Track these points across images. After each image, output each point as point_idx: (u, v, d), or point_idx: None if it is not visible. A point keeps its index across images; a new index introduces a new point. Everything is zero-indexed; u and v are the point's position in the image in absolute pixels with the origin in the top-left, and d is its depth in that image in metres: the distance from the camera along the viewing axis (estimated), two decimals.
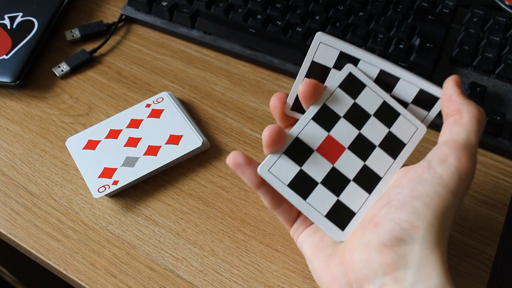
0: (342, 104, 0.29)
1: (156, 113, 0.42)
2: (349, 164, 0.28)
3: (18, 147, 0.42)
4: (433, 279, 0.23)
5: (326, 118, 0.29)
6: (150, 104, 0.42)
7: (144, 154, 0.39)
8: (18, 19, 0.48)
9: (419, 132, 0.29)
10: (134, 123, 0.41)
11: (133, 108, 0.42)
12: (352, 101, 0.29)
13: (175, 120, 0.41)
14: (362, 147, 0.28)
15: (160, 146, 0.39)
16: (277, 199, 0.30)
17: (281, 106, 0.30)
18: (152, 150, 0.39)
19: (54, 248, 0.36)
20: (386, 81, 0.29)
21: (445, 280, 0.23)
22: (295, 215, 0.31)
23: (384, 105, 0.29)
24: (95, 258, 0.36)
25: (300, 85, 0.28)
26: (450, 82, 0.27)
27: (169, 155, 0.39)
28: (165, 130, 0.40)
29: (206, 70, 0.46)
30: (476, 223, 0.36)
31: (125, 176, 0.38)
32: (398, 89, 0.29)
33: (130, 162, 0.39)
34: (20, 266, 0.73)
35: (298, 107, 0.30)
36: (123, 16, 0.50)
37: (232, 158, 0.28)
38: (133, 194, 0.39)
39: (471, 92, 0.40)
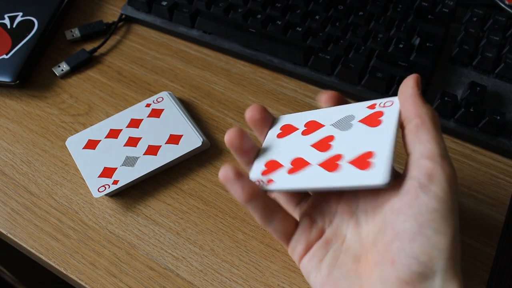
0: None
1: (156, 113, 0.42)
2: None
3: (18, 146, 0.42)
4: None
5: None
6: (150, 104, 0.42)
7: (144, 154, 0.39)
8: (18, 19, 0.48)
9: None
10: (134, 123, 0.41)
11: (133, 108, 0.42)
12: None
13: (175, 119, 0.41)
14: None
15: (160, 146, 0.39)
16: (268, 214, 0.29)
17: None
18: (152, 150, 0.39)
19: (54, 247, 0.36)
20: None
21: None
22: (290, 230, 0.30)
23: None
24: (95, 258, 0.36)
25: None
26: (411, 81, 0.27)
27: (169, 154, 0.39)
28: (165, 130, 0.40)
29: (206, 70, 0.46)
30: (476, 223, 0.36)
31: (125, 176, 0.38)
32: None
33: (130, 161, 0.39)
34: (20, 266, 0.73)
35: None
36: (123, 16, 0.50)
37: (222, 172, 0.28)
38: (133, 193, 0.39)
39: (470, 91, 0.40)
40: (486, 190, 0.38)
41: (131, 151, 0.39)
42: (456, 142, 0.40)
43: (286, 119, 0.33)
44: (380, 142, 0.27)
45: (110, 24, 0.50)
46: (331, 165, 0.28)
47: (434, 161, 0.25)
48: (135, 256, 0.36)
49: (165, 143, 0.40)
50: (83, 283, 0.35)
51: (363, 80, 0.42)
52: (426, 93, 0.41)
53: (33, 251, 0.36)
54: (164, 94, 0.43)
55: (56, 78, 0.47)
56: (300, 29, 0.45)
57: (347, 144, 0.28)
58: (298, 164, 0.29)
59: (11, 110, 0.45)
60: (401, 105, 0.27)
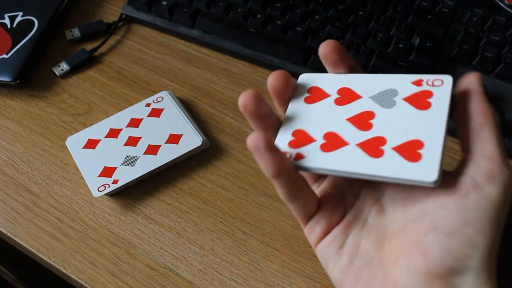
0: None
1: (156, 113, 0.42)
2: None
3: (18, 146, 0.42)
4: None
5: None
6: (150, 104, 0.42)
7: (144, 153, 0.39)
8: (18, 18, 0.48)
9: None
10: (134, 122, 0.41)
11: (133, 108, 0.43)
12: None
13: (175, 119, 0.41)
14: None
15: (160, 145, 0.40)
16: (295, 192, 0.27)
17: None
18: (152, 149, 0.39)
19: (54, 247, 0.36)
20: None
21: None
22: (312, 210, 0.28)
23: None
24: (95, 257, 0.36)
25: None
26: (476, 78, 0.26)
27: (169, 154, 0.39)
28: (165, 129, 0.40)
29: (206, 70, 0.46)
30: None
31: (125, 175, 0.38)
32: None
33: (130, 161, 0.39)
34: (20, 265, 0.73)
35: None
36: (123, 16, 0.50)
37: (252, 140, 0.25)
38: (133, 193, 0.39)
39: None
40: None
41: (131, 151, 0.39)
42: (456, 142, 0.40)
43: (314, 80, 0.29)
44: (431, 131, 0.24)
45: (110, 24, 0.50)
46: (373, 149, 0.25)
47: (495, 162, 0.24)
48: (135, 255, 0.36)
49: (165, 143, 0.40)
50: (83, 283, 0.35)
51: None
52: None
53: (33, 250, 0.36)
54: (164, 93, 0.43)
55: (56, 78, 0.47)
56: (300, 29, 0.45)
57: (391, 127, 0.25)
58: (333, 141, 0.26)
59: (11, 110, 0.45)
60: (465, 100, 0.26)
